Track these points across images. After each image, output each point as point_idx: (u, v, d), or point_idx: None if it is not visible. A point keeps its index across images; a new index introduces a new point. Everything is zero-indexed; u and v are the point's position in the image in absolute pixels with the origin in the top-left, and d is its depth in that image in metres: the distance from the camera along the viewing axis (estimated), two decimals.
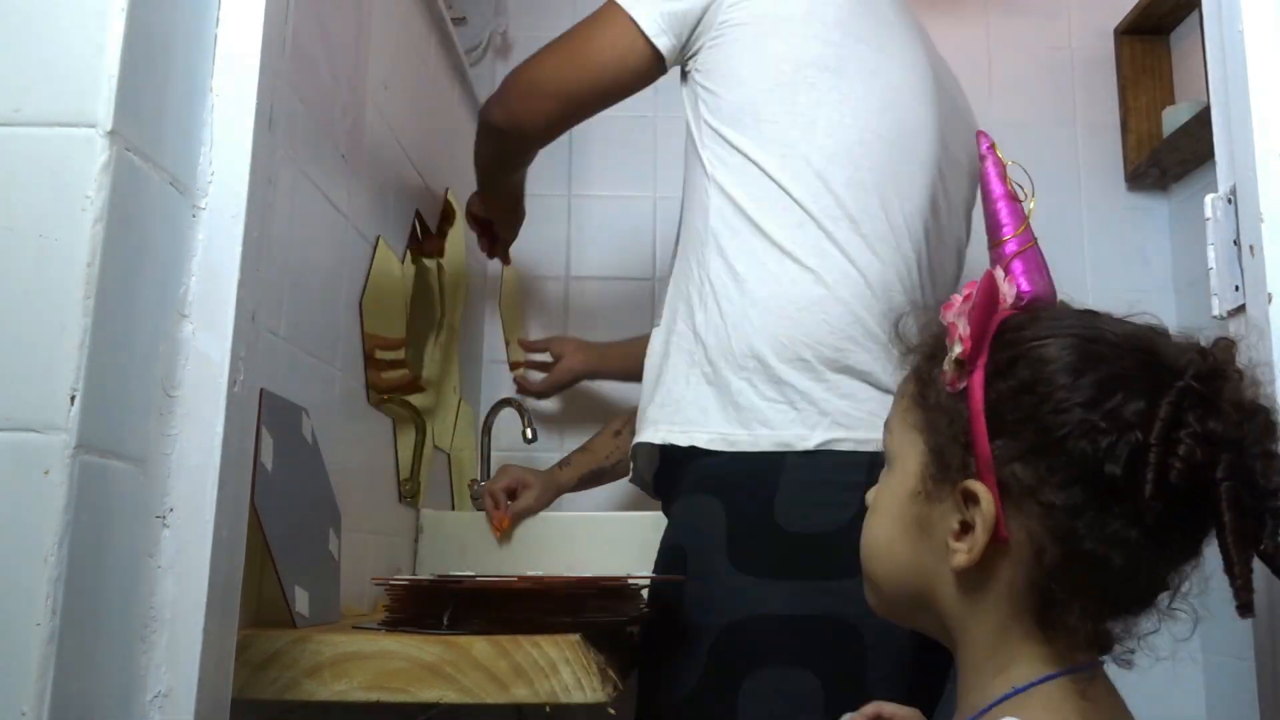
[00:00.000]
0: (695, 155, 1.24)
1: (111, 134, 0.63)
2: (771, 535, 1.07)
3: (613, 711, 0.93)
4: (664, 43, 1.23)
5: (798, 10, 1.19)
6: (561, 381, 1.98)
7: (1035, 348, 0.64)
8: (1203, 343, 0.65)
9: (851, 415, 1.09)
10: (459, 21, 2.00)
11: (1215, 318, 0.86)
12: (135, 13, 0.65)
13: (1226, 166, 0.85)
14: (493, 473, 1.98)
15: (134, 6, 0.65)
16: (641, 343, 1.75)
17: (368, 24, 1.38)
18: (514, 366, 2.04)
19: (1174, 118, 2.08)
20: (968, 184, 1.31)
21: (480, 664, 0.89)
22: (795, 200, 1.15)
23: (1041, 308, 0.69)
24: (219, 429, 0.70)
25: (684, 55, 1.25)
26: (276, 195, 0.81)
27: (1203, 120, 1.92)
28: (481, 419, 2.02)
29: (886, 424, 0.74)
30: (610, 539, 1.65)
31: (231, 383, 0.71)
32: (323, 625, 0.98)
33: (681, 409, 1.16)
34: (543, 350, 1.99)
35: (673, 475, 1.19)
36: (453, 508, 1.88)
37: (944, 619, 0.69)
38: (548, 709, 0.90)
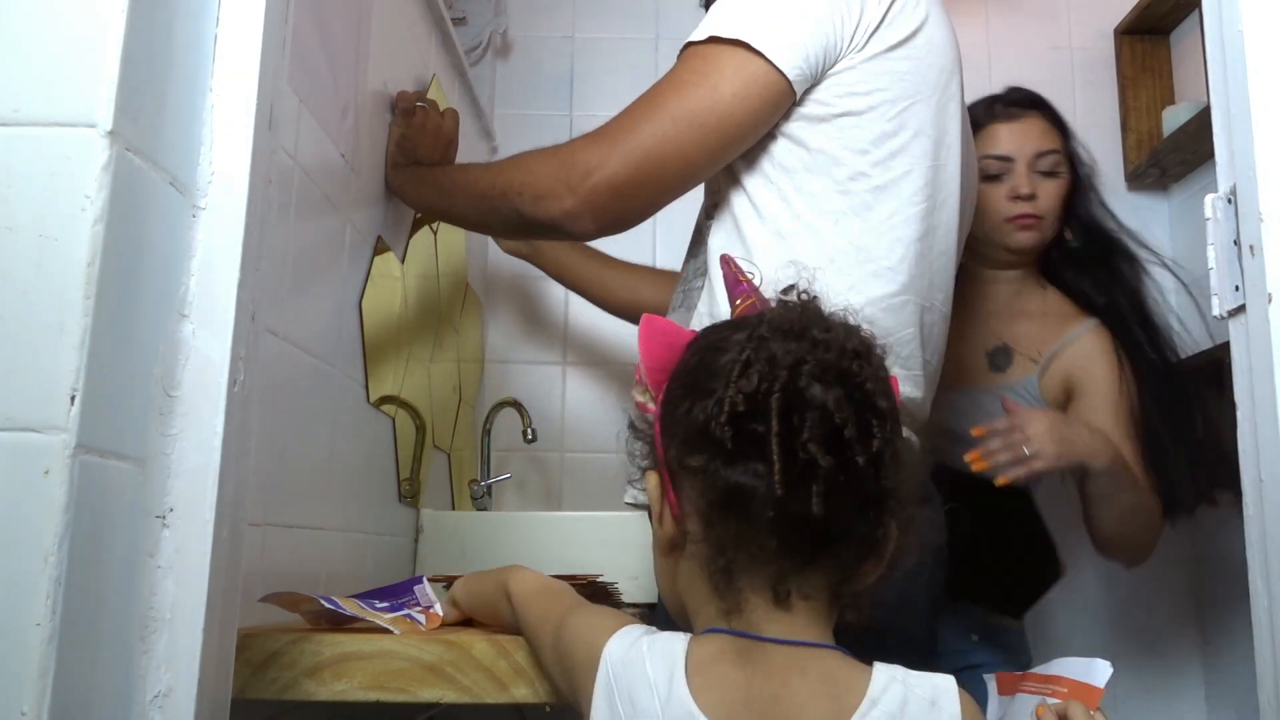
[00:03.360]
0: (759, 192, 1.14)
1: (111, 134, 0.63)
2: None
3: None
4: (801, 83, 1.11)
5: (937, 82, 1.14)
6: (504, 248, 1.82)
7: (679, 364, 0.78)
8: (795, 293, 0.79)
9: None
10: (459, 21, 2.00)
11: (1215, 318, 0.86)
12: (135, 13, 0.65)
13: (1226, 166, 0.85)
14: (493, 473, 1.99)
15: (134, 6, 0.65)
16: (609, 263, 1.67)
17: (368, 24, 1.38)
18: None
19: (1174, 118, 2.08)
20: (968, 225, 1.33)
21: (480, 664, 0.89)
22: (855, 274, 1.11)
23: (709, 327, 0.82)
24: (219, 429, 0.70)
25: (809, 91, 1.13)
26: (276, 195, 0.81)
27: (1203, 120, 1.92)
28: (481, 419, 2.02)
29: None
30: (610, 539, 1.65)
31: (231, 383, 0.71)
32: (323, 625, 0.98)
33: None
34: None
35: None
36: (453, 508, 1.88)
37: (686, 615, 0.78)
38: (548, 709, 0.90)
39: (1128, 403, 1.56)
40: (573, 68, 2.29)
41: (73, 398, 0.60)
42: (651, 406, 0.80)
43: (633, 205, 1.14)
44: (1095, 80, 2.29)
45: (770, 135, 1.15)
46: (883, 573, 0.74)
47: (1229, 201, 0.84)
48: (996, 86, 2.34)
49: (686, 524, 0.75)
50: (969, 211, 1.30)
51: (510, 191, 1.21)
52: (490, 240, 2.20)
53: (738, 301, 0.87)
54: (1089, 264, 1.68)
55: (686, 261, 1.27)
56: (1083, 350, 1.60)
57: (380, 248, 1.42)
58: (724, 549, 0.72)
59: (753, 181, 1.16)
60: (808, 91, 1.12)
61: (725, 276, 0.91)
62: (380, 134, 1.44)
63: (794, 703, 0.69)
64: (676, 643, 0.73)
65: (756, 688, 0.70)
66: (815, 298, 0.78)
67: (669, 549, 0.77)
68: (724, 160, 1.14)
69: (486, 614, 0.97)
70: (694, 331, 0.82)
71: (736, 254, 1.14)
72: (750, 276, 0.88)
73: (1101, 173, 2.27)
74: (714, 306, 1.15)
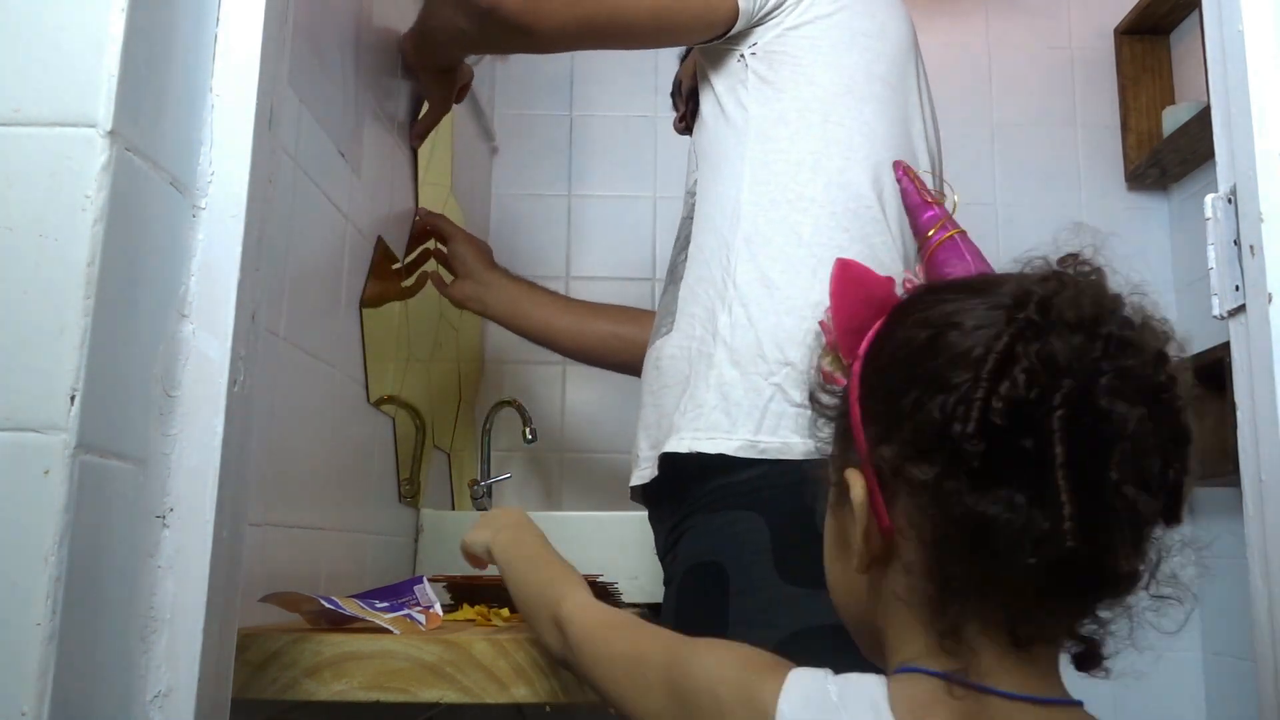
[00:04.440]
0: (731, 151, 1.18)
1: (111, 134, 0.63)
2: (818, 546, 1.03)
3: (613, 711, 0.93)
4: (746, 6, 1.18)
5: (873, 26, 1.20)
6: (452, 300, 1.71)
7: (898, 328, 0.62)
8: (1074, 265, 0.61)
9: None
10: None
11: (1215, 318, 0.86)
12: (135, 13, 0.65)
13: (1226, 166, 0.85)
14: (493, 473, 1.99)
15: (134, 6, 0.65)
16: (549, 298, 1.63)
17: (368, 24, 1.38)
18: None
19: (1174, 118, 2.08)
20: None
21: (480, 664, 0.89)
22: (845, 208, 1.11)
23: (929, 287, 0.65)
24: (219, 429, 0.70)
25: (744, 32, 1.20)
26: (276, 195, 0.81)
27: (1203, 120, 1.92)
28: (481, 419, 2.02)
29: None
30: (610, 539, 1.65)
31: (231, 383, 0.71)
32: (323, 625, 0.98)
33: (704, 414, 1.09)
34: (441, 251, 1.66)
35: (686, 483, 1.11)
36: (453, 508, 1.88)
37: (881, 640, 0.63)
38: (547, 709, 0.90)
39: None
40: (572, 68, 2.29)
41: (73, 398, 0.60)
42: (842, 378, 0.64)
43: (540, 25, 1.22)
44: (1095, 80, 2.29)
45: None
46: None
47: (1229, 201, 0.84)
48: (997, 86, 2.34)
49: (899, 544, 0.59)
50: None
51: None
52: (490, 240, 2.20)
53: (930, 233, 0.71)
54: None
55: (677, 240, 1.29)
56: None
57: (380, 248, 1.42)
58: (952, 585, 0.56)
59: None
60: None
61: (905, 194, 0.77)
62: (381, 133, 1.44)
63: None
64: (873, 685, 0.58)
65: None
66: (1101, 273, 0.61)
67: (868, 566, 0.61)
68: (641, 43, 1.29)
69: (519, 610, 0.88)
70: (891, 281, 0.66)
71: (717, 215, 1.16)
72: (940, 197, 0.73)
73: (1100, 173, 2.28)
74: (708, 269, 1.15)
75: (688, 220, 1.26)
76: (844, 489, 0.61)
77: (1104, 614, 0.58)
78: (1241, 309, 0.82)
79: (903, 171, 0.80)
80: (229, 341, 0.71)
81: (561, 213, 2.25)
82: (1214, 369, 1.88)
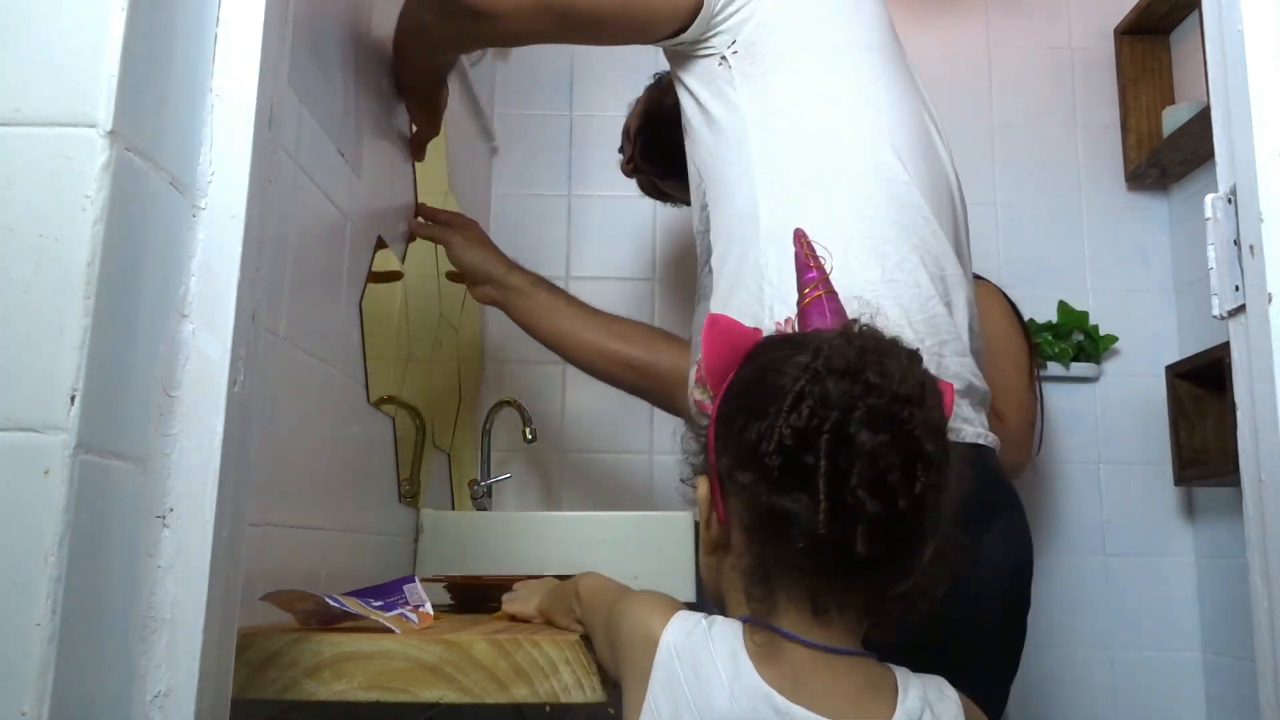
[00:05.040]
0: (732, 155, 1.17)
1: (111, 134, 0.63)
2: None
3: (613, 711, 0.93)
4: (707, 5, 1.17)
5: (846, 4, 1.20)
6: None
7: (742, 369, 0.82)
8: (857, 327, 0.80)
9: None
10: None
11: (1215, 318, 0.86)
12: (135, 13, 0.65)
13: (1226, 166, 0.85)
14: (493, 473, 1.99)
15: (134, 6, 0.65)
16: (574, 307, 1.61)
17: (368, 24, 1.38)
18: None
19: (1174, 118, 2.08)
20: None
21: (480, 664, 0.89)
22: (866, 179, 1.11)
23: (769, 339, 0.84)
24: (219, 429, 0.70)
25: (708, 28, 1.19)
26: (276, 195, 0.81)
27: (1203, 120, 1.92)
28: (481, 419, 2.02)
29: None
30: (610, 539, 1.66)
31: (231, 383, 0.71)
32: (314, 625, 0.98)
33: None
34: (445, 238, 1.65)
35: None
36: (453, 508, 1.88)
37: (723, 606, 0.83)
38: (548, 709, 0.90)
39: (1023, 342, 1.79)
40: (572, 67, 2.29)
41: (73, 398, 0.60)
42: (709, 405, 0.82)
43: (499, 26, 1.25)
44: (1095, 80, 2.29)
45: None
46: (913, 595, 0.77)
47: (1229, 201, 0.84)
48: (997, 86, 2.34)
49: (731, 531, 0.79)
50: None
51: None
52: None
53: (805, 290, 0.87)
54: None
55: (699, 256, 1.27)
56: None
57: (380, 248, 1.42)
58: (764, 562, 0.77)
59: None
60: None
61: (797, 256, 0.90)
62: (380, 134, 1.44)
63: (848, 696, 0.75)
64: (734, 626, 0.79)
65: (804, 680, 0.75)
66: (878, 333, 0.80)
67: (713, 549, 0.82)
68: (604, 39, 1.30)
69: (563, 618, 1.02)
70: (757, 332, 0.84)
71: (733, 239, 1.15)
72: (822, 260, 0.89)
73: (1100, 173, 2.28)
74: (732, 289, 1.14)
75: (704, 234, 1.23)
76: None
77: (891, 597, 0.77)
78: (1241, 309, 0.82)
79: (798, 236, 0.91)
80: (229, 341, 0.71)
81: (561, 213, 2.25)
82: (1214, 369, 1.89)
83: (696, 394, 0.84)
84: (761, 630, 0.77)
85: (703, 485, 0.81)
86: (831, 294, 0.86)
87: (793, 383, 0.74)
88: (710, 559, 0.83)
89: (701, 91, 1.22)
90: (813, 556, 0.73)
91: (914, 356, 0.79)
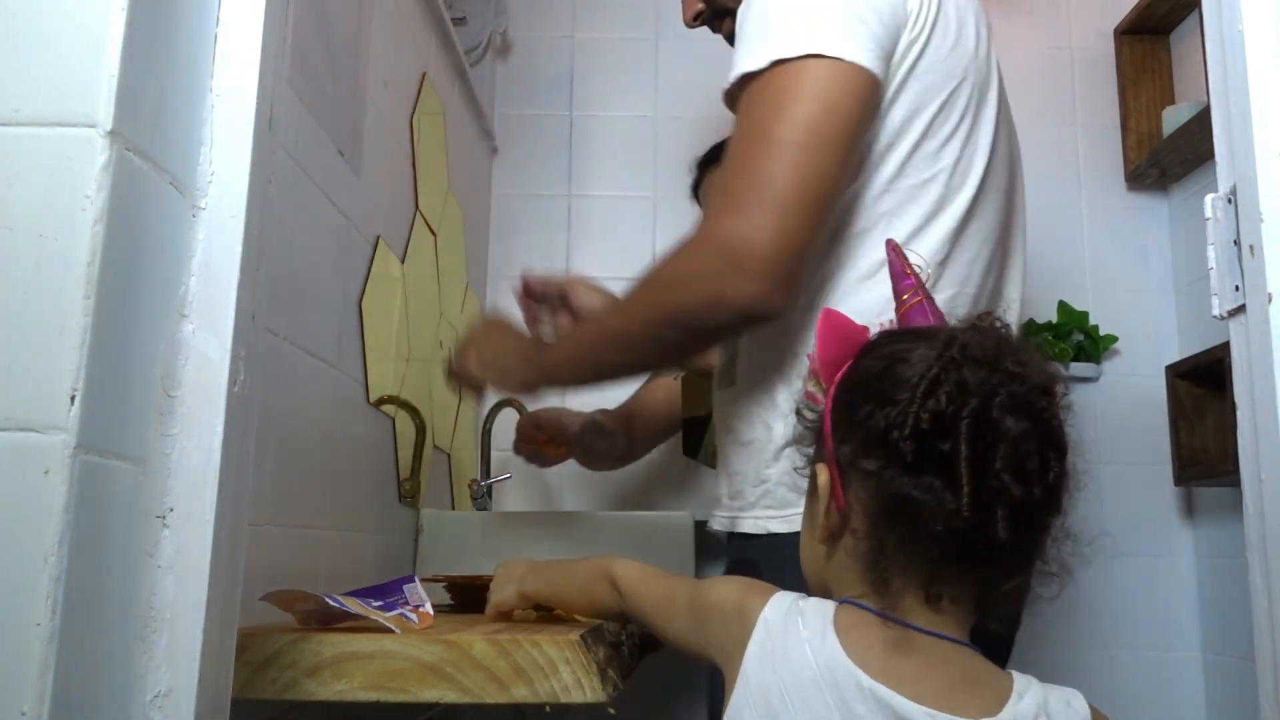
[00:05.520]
0: None
1: (111, 134, 0.63)
2: None
3: (613, 711, 0.93)
4: (879, 68, 1.04)
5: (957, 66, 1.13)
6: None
7: (862, 360, 0.82)
8: (988, 320, 0.81)
9: None
10: (459, 21, 2.00)
11: (1215, 318, 0.86)
12: (135, 13, 0.65)
13: (1226, 166, 0.85)
14: (493, 473, 1.99)
15: (134, 6, 0.65)
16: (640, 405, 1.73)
17: (368, 24, 1.38)
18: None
19: (1174, 118, 2.08)
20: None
21: (480, 664, 0.89)
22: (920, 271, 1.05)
23: (887, 332, 0.84)
24: (219, 429, 0.70)
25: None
26: (276, 195, 0.81)
27: (1203, 120, 1.92)
28: (481, 419, 2.02)
29: None
30: (611, 539, 1.66)
31: (231, 383, 0.71)
32: (313, 625, 0.98)
33: (776, 491, 1.07)
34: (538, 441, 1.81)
35: (776, 568, 1.03)
36: (453, 508, 1.88)
37: (829, 594, 0.83)
38: (548, 709, 0.90)
39: None
40: (573, 67, 2.29)
41: (73, 398, 0.60)
42: (821, 398, 0.83)
43: (809, 249, 1.01)
44: (1095, 80, 2.29)
45: None
46: (1027, 588, 0.78)
47: (1229, 201, 0.84)
48: None
49: (850, 518, 0.79)
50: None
51: (672, 314, 1.06)
52: (491, 240, 2.20)
53: (904, 296, 0.88)
54: None
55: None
56: None
57: (380, 248, 1.42)
58: (885, 549, 0.76)
59: None
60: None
61: (891, 265, 0.91)
62: (380, 134, 1.44)
63: (939, 683, 0.75)
64: (827, 605, 0.80)
65: (901, 666, 0.75)
66: (1009, 326, 0.80)
67: (827, 537, 0.82)
68: (853, 165, 1.05)
69: (576, 601, 1.02)
70: (868, 330, 0.85)
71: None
72: (917, 269, 0.89)
73: (1100, 173, 2.28)
74: (783, 327, 1.09)
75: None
76: (814, 478, 0.82)
77: (1000, 584, 0.76)
78: (1241, 309, 0.82)
79: (892, 248, 0.91)
80: (229, 341, 0.71)
81: (561, 213, 2.25)
82: (1214, 369, 1.89)
83: (809, 386, 0.84)
84: (854, 609, 0.78)
85: (823, 473, 0.80)
86: (930, 298, 0.88)
87: (926, 370, 0.74)
88: (819, 547, 0.83)
89: None
90: (943, 542, 0.73)
91: (1041, 349, 0.81)
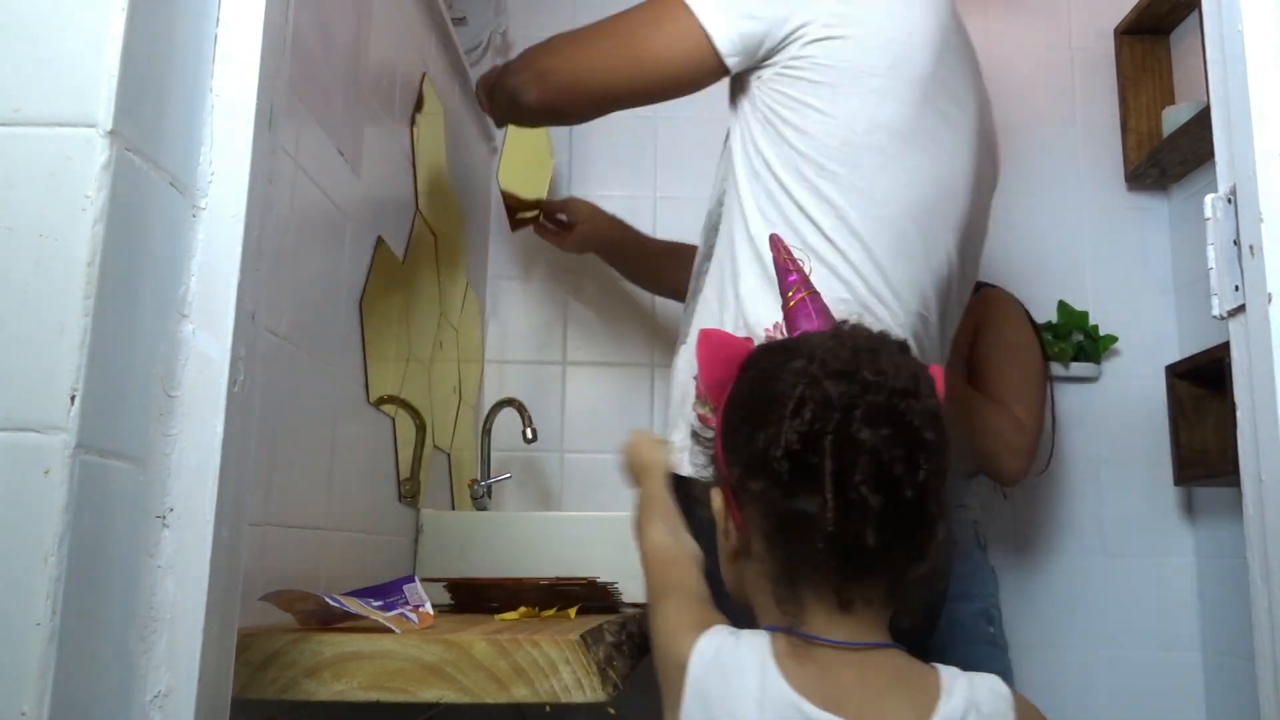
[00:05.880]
0: (746, 182, 1.20)
1: (111, 134, 0.63)
2: None
3: (613, 711, 0.93)
4: (735, 62, 1.19)
5: (882, 64, 1.15)
6: (573, 248, 1.98)
7: (739, 380, 0.83)
8: (846, 326, 0.83)
9: None
10: (459, 21, 2.00)
11: (1215, 318, 0.86)
12: (135, 13, 0.65)
13: (1226, 166, 0.85)
14: (493, 473, 1.99)
15: (134, 6, 0.65)
16: (654, 245, 1.88)
17: (367, 24, 1.38)
18: (529, 221, 1.99)
19: (1174, 118, 2.08)
20: (987, 201, 1.38)
21: (480, 664, 0.89)
22: (842, 263, 1.14)
23: (762, 348, 0.85)
24: (219, 429, 0.70)
25: (756, 65, 1.20)
26: (276, 195, 0.81)
27: (1203, 120, 1.92)
28: (481, 419, 2.02)
29: None
30: (610, 539, 1.65)
31: (231, 383, 0.71)
32: (313, 625, 0.98)
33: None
34: (560, 211, 1.96)
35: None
36: (453, 508, 1.88)
37: (751, 612, 0.84)
38: (548, 709, 0.90)
39: (1039, 355, 1.81)
40: None
41: (73, 398, 0.60)
42: (712, 418, 0.85)
43: (565, 110, 1.40)
44: (1095, 80, 2.29)
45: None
46: (931, 576, 0.79)
47: (1229, 201, 0.84)
48: (996, 86, 2.34)
49: (750, 538, 0.81)
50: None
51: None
52: (491, 240, 2.20)
53: (789, 294, 0.89)
54: None
55: (699, 250, 1.29)
56: (984, 305, 1.82)
57: (380, 248, 1.42)
58: (786, 565, 0.78)
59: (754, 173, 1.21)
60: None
61: (775, 262, 0.93)
62: (380, 134, 1.44)
63: (874, 697, 0.76)
64: (761, 637, 0.79)
65: (832, 681, 0.76)
66: (866, 331, 0.82)
67: (734, 558, 0.84)
68: (650, 102, 1.34)
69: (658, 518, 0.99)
70: (749, 342, 0.86)
71: (743, 237, 1.17)
72: (801, 263, 0.91)
73: (1101, 173, 2.28)
74: (722, 290, 1.19)
75: (713, 232, 1.26)
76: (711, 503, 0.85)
77: (910, 581, 0.78)
78: (1241, 309, 0.83)
79: (775, 243, 0.94)
80: (229, 341, 0.71)
81: None
82: (1214, 369, 1.89)
83: (698, 408, 0.87)
84: (786, 636, 0.78)
85: (717, 497, 0.83)
86: (814, 294, 0.88)
87: (791, 388, 0.76)
88: (731, 567, 0.85)
89: (742, 110, 1.25)
90: (831, 554, 0.75)
91: (904, 348, 0.81)
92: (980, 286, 1.81)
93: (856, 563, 0.76)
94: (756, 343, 0.87)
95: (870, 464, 0.74)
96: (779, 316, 1.11)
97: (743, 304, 1.16)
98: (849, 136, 1.15)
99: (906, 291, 1.17)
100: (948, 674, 0.78)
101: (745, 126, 1.21)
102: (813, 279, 1.13)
